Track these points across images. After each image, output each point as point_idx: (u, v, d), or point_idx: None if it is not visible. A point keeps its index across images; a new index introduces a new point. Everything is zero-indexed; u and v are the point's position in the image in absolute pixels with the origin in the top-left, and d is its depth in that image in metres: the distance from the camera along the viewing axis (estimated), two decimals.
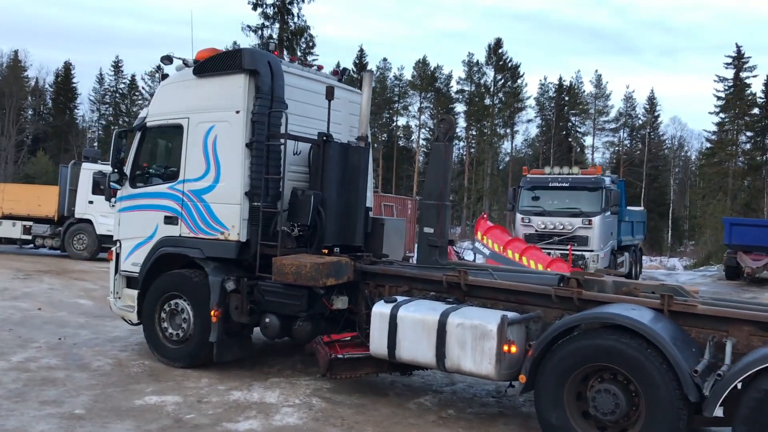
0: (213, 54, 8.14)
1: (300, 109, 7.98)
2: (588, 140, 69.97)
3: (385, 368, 7.03)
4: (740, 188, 58.86)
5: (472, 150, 68.18)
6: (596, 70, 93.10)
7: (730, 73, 59.66)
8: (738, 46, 59.99)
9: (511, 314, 6.04)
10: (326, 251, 7.77)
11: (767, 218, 48.21)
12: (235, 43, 64.40)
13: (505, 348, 5.87)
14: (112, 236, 8.96)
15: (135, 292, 8.37)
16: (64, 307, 11.72)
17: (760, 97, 59.27)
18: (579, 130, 69.27)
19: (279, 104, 7.64)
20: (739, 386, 4.93)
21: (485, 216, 19.01)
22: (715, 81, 60.72)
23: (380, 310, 6.52)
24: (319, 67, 8.87)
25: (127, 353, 8.49)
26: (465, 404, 7.10)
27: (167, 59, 8.27)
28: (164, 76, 8.50)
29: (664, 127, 70.73)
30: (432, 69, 70.56)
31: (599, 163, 66.46)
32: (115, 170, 8.41)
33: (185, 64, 8.31)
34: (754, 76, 59.30)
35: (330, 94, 8.01)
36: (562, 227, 18.65)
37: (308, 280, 6.91)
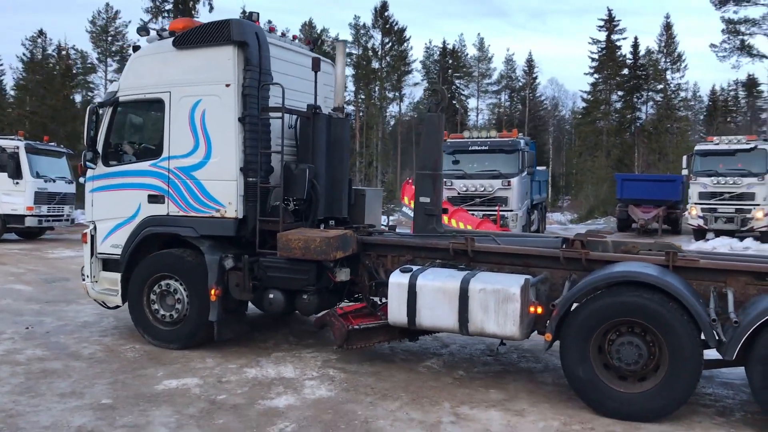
0: (191, 24, 7.86)
1: (281, 81, 7.87)
2: (472, 102, 72.05)
3: (396, 336, 7.23)
4: (613, 145, 62.78)
5: (362, 114, 68.39)
6: (479, 34, 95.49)
7: (602, 36, 63.07)
8: (609, 10, 63.45)
9: (530, 278, 6.40)
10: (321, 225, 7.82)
11: (638, 172, 51.88)
12: (107, 5, 60.96)
13: (531, 309, 6.24)
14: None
15: (116, 275, 8.06)
16: (4, 295, 10.99)
17: (629, 59, 63.21)
18: (463, 92, 71.04)
19: (266, 76, 7.52)
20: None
21: (410, 181, 19.35)
22: (589, 43, 63.99)
23: (398, 280, 6.68)
24: (294, 37, 8.74)
25: (109, 338, 8.19)
26: (469, 364, 7.45)
27: (144, 30, 7.89)
28: (135, 48, 8.08)
29: (542, 89, 73.99)
30: (319, 32, 69.61)
31: (481, 124, 68.83)
32: (90, 149, 7.96)
33: (160, 35, 7.96)
34: (624, 39, 63.11)
35: (316, 65, 7.98)
36: (483, 189, 19.39)
37: (318, 254, 6.96)
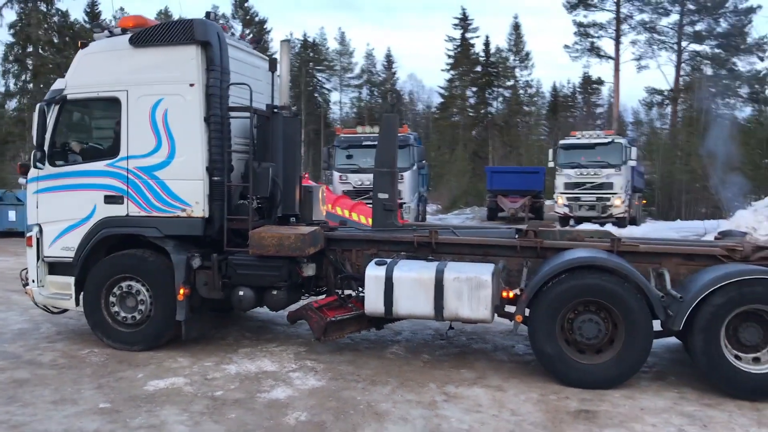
0: (142, 22, 7.77)
1: (235, 80, 7.95)
2: (335, 96, 72.64)
3: (365, 325, 7.62)
4: (469, 138, 65.92)
5: None
6: (340, 28, 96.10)
7: (457, 34, 65.99)
8: (463, 9, 66.56)
9: (499, 265, 7.04)
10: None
11: (493, 164, 54.94)
12: None
13: (504, 294, 6.89)
14: None
15: (67, 279, 7.80)
16: None
17: (482, 56, 66.63)
18: (325, 86, 71.50)
19: (227, 76, 7.61)
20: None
21: (306, 175, 19.58)
22: (445, 41, 66.72)
23: (374, 272, 7.06)
24: (242, 36, 8.81)
25: (61, 344, 7.91)
26: (429, 348, 7.99)
27: (99, 27, 7.67)
28: (83, 45, 7.82)
29: (401, 83, 75.99)
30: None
31: (343, 118, 69.70)
32: (40, 149, 7.62)
33: (111, 32, 7.78)
34: (477, 37, 66.39)
35: (273, 66, 8.15)
36: None
37: (293, 250, 7.20)
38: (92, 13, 63.52)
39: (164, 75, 7.44)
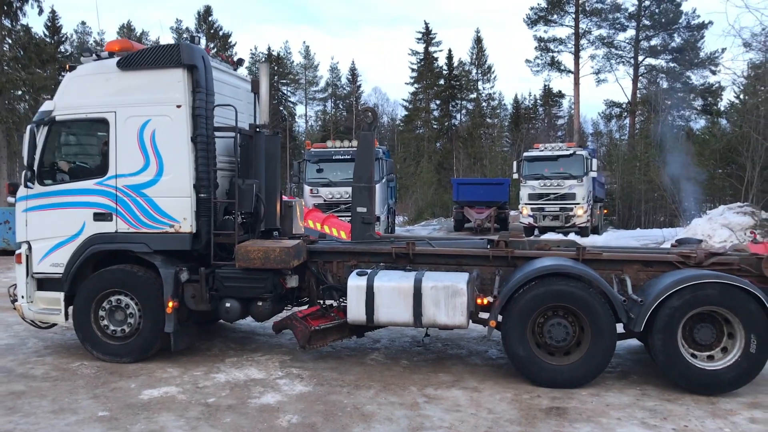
0: (128, 45, 8.11)
1: (217, 101, 8.28)
2: (300, 109, 73.01)
3: (347, 333, 8.00)
4: (434, 150, 66.86)
5: None
6: (304, 42, 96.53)
7: (421, 48, 66.99)
8: (426, 23, 67.73)
9: (474, 274, 7.50)
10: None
11: (457, 176, 55.73)
12: None
13: (479, 301, 7.34)
14: None
15: (56, 294, 8.04)
16: None
17: (445, 70, 67.73)
18: (290, 99, 71.80)
19: (212, 97, 7.96)
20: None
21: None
22: (408, 54, 67.73)
23: (356, 282, 7.46)
24: (222, 57, 9.16)
25: (50, 357, 8.13)
26: (407, 354, 8.41)
27: (88, 52, 7.97)
28: (71, 68, 8.10)
29: (366, 97, 76.76)
30: (138, 35, 66.99)
31: (309, 131, 70.02)
32: (30, 168, 7.87)
33: (98, 56, 8.08)
34: (440, 51, 67.51)
35: (256, 87, 8.55)
36: (348, 196, 20.32)
37: (278, 263, 7.57)
38: (53, 27, 62.89)
39: (152, 97, 7.77)
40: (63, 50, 56.15)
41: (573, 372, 7.06)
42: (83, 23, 69.53)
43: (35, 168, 7.96)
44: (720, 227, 19.07)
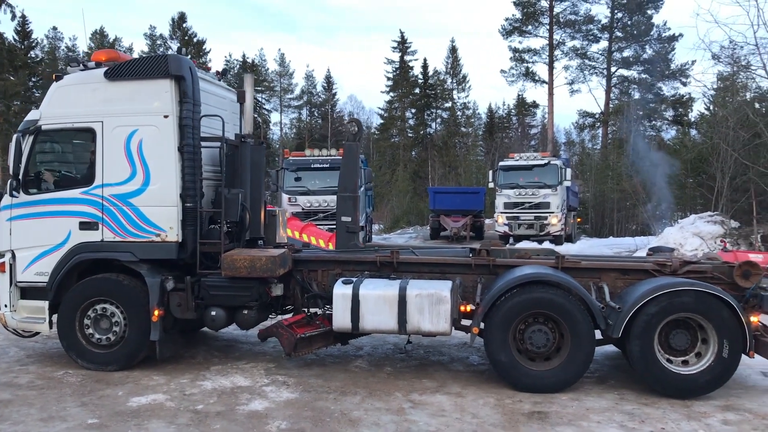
0: (115, 56, 8.18)
1: (203, 111, 8.37)
2: (275, 117, 72.90)
3: (331, 341, 8.12)
4: (409, 159, 67.14)
5: None
6: (279, 49, 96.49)
7: (396, 56, 67.34)
8: (402, 32, 67.96)
9: (457, 282, 7.67)
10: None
11: (432, 185, 56.03)
12: None
13: (462, 308, 7.51)
14: None
15: (40, 303, 8.05)
16: None
17: (420, 79, 68.15)
18: (265, 107, 71.64)
19: (198, 108, 8.06)
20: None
21: None
22: (384, 63, 67.99)
23: (342, 291, 7.58)
24: (207, 68, 9.26)
25: (34, 366, 8.13)
26: (390, 361, 8.55)
27: (75, 62, 8.01)
28: (58, 78, 8.13)
29: (342, 105, 76.90)
30: (111, 41, 66.42)
31: (284, 139, 69.97)
32: (15, 177, 7.89)
33: (85, 66, 8.13)
34: (416, 60, 67.93)
35: (241, 97, 8.66)
36: (326, 204, 20.50)
37: (264, 272, 7.68)
38: (23, 32, 62.10)
39: (139, 107, 7.83)
40: (33, 55, 55.52)
41: (554, 377, 7.25)
42: (54, 28, 68.82)
43: (20, 177, 7.98)
44: (691, 236, 19.53)
